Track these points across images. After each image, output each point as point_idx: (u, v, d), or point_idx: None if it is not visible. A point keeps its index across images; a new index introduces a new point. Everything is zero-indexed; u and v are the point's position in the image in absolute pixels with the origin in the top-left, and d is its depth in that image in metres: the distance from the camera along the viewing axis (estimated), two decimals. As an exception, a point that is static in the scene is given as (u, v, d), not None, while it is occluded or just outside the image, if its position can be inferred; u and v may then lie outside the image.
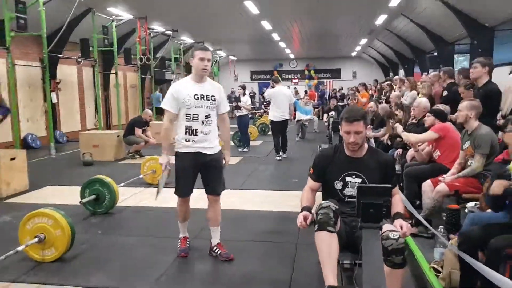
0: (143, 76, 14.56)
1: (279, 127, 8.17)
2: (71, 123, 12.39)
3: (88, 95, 13.28)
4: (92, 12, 10.65)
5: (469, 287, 2.54)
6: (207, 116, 3.12)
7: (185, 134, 3.10)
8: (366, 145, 2.48)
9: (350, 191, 2.40)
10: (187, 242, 3.39)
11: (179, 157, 3.16)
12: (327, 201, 2.27)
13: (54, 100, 10.62)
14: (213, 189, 3.27)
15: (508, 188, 2.34)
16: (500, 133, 3.69)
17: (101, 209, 4.49)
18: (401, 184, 4.19)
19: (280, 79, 9.02)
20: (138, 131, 8.16)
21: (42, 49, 8.86)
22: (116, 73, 12.55)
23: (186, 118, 3.09)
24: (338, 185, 2.43)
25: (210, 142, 3.16)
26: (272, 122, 8.34)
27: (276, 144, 8.23)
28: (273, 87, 8.45)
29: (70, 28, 9.90)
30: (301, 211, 2.33)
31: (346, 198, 2.41)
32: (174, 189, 3.25)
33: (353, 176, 2.39)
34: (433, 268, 3.02)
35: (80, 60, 11.59)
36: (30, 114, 10.64)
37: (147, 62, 12.69)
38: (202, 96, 3.09)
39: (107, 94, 14.16)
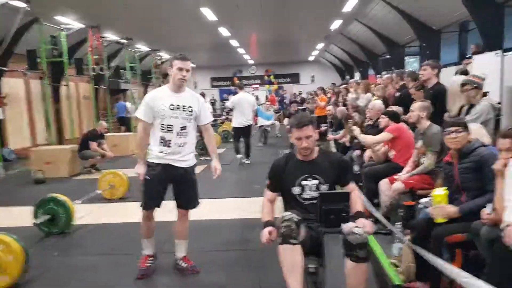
0: (96, 86, 14.07)
1: (243, 133, 8.25)
2: (20, 139, 11.67)
3: (38, 109, 12.54)
4: (39, 22, 10.17)
5: (424, 276, 2.71)
6: (183, 128, 3.03)
7: (159, 145, 3.02)
8: (316, 148, 2.53)
9: (308, 194, 2.43)
10: (149, 262, 3.20)
11: (151, 167, 3.06)
12: (289, 212, 2.27)
13: (0, 116, 10.03)
14: (184, 204, 3.19)
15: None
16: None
17: (57, 229, 4.25)
18: (360, 184, 4.32)
19: (243, 85, 9.07)
20: (93, 144, 7.82)
21: (-16, 63, 8.35)
22: (67, 85, 12.03)
23: (161, 129, 3.00)
24: (296, 190, 2.44)
25: (184, 155, 3.07)
26: (236, 128, 8.36)
27: (237, 147, 8.36)
28: (236, 93, 8.52)
29: (15, 39, 9.40)
30: (264, 226, 2.33)
31: (305, 201, 2.43)
32: (139, 203, 3.13)
33: (309, 179, 2.43)
34: (393, 263, 3.13)
35: (27, 72, 10.99)
36: (-26, 132, 9.97)
37: (101, 72, 12.27)
38: (178, 107, 3.00)
39: (58, 107, 13.48)
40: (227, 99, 15.79)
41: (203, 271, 3.20)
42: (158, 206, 3.13)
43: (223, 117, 16.87)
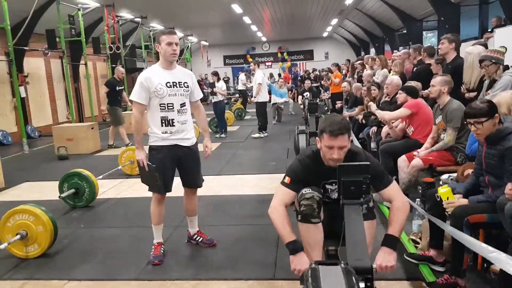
0: (113, 65, 14.15)
1: (265, 107, 8.99)
2: (42, 117, 12.02)
3: (58, 88, 12.87)
4: (56, 1, 10.22)
5: (437, 245, 2.72)
6: (182, 105, 2.97)
7: (161, 125, 2.92)
8: None
9: (331, 195, 2.28)
10: (162, 249, 3.13)
11: (155, 150, 2.97)
12: (310, 190, 2.14)
13: (23, 95, 10.26)
14: (193, 182, 3.17)
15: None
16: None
17: (81, 202, 4.44)
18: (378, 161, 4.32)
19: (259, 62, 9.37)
20: (124, 95, 8.10)
21: (6, 42, 8.48)
22: (85, 64, 12.16)
23: (161, 108, 2.90)
24: None
25: (187, 133, 3.02)
26: (263, 103, 8.93)
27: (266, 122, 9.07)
28: (250, 71, 8.79)
29: (34, 19, 9.48)
30: (288, 245, 1.98)
31: (326, 201, 2.27)
32: (148, 187, 3.06)
33: (333, 184, 2.24)
34: (412, 240, 3.17)
35: (47, 51, 11.16)
36: (-1, 110, 10.27)
37: (117, 51, 12.34)
38: (174, 84, 2.93)
39: (77, 85, 13.74)
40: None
41: (220, 244, 3.29)
42: (170, 190, 3.07)
43: (237, 95, 16.83)
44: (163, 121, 2.93)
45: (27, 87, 10.99)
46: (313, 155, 2.23)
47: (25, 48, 10.18)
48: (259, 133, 8.98)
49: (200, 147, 3.20)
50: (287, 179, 2.19)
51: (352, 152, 2.17)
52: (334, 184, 2.22)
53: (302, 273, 1.81)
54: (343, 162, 2.05)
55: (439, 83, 3.59)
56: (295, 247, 1.97)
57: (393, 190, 2.13)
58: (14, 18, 8.82)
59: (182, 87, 2.97)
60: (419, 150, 3.80)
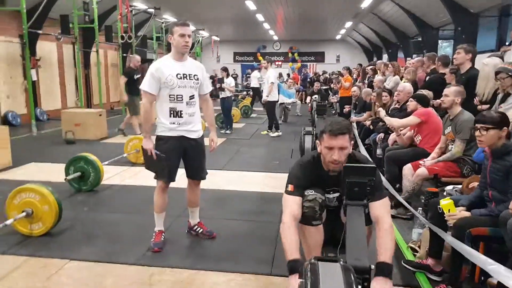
0: (124, 55, 14.26)
1: (275, 107, 9.02)
2: (51, 101, 12.11)
3: (69, 73, 12.96)
4: (72, -13, 10.31)
5: (435, 254, 2.74)
6: (191, 97, 3.00)
7: (170, 116, 2.96)
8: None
9: (329, 205, 2.26)
10: (162, 236, 3.17)
11: (162, 140, 3.01)
12: (313, 192, 2.13)
13: (34, 78, 10.34)
14: (197, 174, 3.20)
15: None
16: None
17: (86, 186, 4.49)
18: (383, 168, 4.33)
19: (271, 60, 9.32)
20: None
21: (21, 25, 8.56)
22: (97, 51, 12.25)
23: (170, 99, 2.94)
24: None
25: (194, 125, 3.05)
26: (273, 103, 8.92)
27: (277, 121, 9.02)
28: (259, 69, 8.63)
29: (49, 3, 9.56)
30: (289, 262, 1.82)
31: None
32: (154, 174, 3.10)
33: (331, 192, 2.24)
34: (411, 247, 3.18)
35: (60, 37, 11.23)
36: (10, 91, 10.37)
37: (129, 41, 12.40)
38: (185, 76, 2.95)
39: (87, 72, 13.83)
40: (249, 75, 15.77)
41: (219, 237, 3.32)
42: (174, 180, 3.11)
43: (244, 93, 16.84)
44: (172, 112, 2.96)
45: (38, 71, 11.08)
46: (313, 160, 2.19)
47: (39, 32, 10.26)
48: (277, 132, 8.95)
49: (206, 141, 3.23)
50: (290, 187, 2.12)
51: (356, 159, 2.13)
52: (332, 192, 2.21)
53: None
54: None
55: (452, 93, 3.56)
56: (295, 267, 1.79)
57: (384, 207, 2.03)
58: (29, 1, 8.89)
59: (192, 79, 3.00)
60: (425, 159, 3.78)
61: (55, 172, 4.92)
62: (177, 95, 2.95)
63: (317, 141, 2.14)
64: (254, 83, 13.17)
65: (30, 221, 3.21)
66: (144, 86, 2.96)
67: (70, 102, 13.00)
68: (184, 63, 3.00)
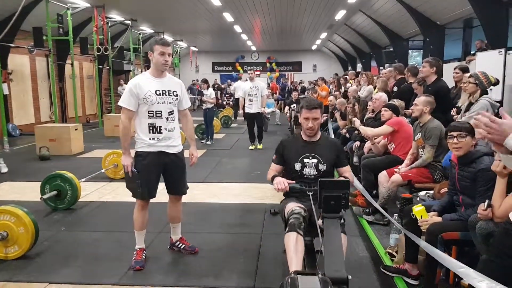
0: (100, 66, 14.09)
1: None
2: (24, 115, 11.80)
3: (42, 86, 12.67)
4: (45, -1, 10.15)
5: (412, 259, 2.85)
6: (171, 112, 3.02)
7: (149, 132, 2.97)
8: (319, 133, 2.81)
9: (308, 170, 2.69)
10: (144, 254, 3.14)
11: (141, 157, 3.00)
12: (298, 207, 2.47)
13: (6, 92, 10.06)
14: (178, 189, 3.21)
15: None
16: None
17: (63, 205, 4.40)
18: (359, 175, 4.44)
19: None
20: None
21: (-9, 38, 8.35)
22: (72, 63, 12.06)
23: (149, 115, 2.95)
24: (297, 166, 2.69)
25: (174, 140, 3.06)
26: (259, 114, 8.60)
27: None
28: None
29: (22, 15, 9.36)
30: (272, 179, 2.58)
31: (305, 176, 2.69)
32: (131, 194, 3.08)
33: (310, 158, 2.70)
34: (389, 253, 3.28)
35: (33, 49, 11.03)
36: (-21, 107, 10.04)
37: (105, 53, 12.29)
38: (164, 92, 2.98)
39: (62, 85, 13.57)
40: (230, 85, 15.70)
41: (202, 252, 3.32)
42: (154, 196, 3.09)
43: (224, 103, 16.87)
44: (151, 128, 2.98)
45: (10, 84, 10.81)
46: (293, 137, 2.93)
47: (11, 45, 10.03)
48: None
49: (186, 153, 3.24)
50: (274, 157, 2.83)
51: (325, 136, 2.92)
52: (310, 158, 2.70)
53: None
54: (319, 141, 2.74)
55: (422, 102, 3.76)
56: (274, 177, 2.57)
57: (349, 172, 2.81)
58: (0, 14, 8.67)
59: (171, 95, 3.03)
60: (400, 166, 3.93)
61: (30, 191, 4.82)
62: (156, 111, 2.96)
63: (298, 114, 2.86)
64: (238, 94, 13.11)
65: (5, 244, 3.11)
66: (123, 102, 2.96)
67: (44, 116, 12.69)
68: (163, 79, 3.03)
